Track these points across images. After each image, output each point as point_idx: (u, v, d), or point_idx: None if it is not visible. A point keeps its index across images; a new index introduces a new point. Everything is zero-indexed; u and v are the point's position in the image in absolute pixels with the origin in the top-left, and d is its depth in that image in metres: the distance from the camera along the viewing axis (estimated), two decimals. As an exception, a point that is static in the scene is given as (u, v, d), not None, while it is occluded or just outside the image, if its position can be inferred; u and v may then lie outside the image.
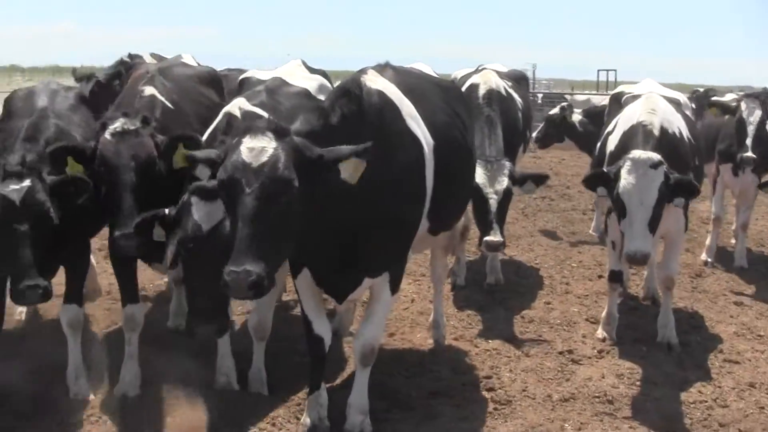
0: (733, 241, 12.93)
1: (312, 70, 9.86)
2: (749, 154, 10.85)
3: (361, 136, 5.94)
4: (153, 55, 11.92)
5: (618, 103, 9.90)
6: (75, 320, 7.31)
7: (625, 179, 7.60)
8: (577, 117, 14.64)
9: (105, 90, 10.18)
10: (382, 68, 7.08)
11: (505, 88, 10.79)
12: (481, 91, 10.46)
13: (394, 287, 6.73)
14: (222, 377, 7.50)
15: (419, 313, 9.64)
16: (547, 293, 10.67)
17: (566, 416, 7.11)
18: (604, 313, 9.09)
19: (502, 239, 9.30)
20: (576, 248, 13.12)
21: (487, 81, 10.62)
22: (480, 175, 9.41)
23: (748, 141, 10.95)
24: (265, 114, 7.45)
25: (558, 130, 14.81)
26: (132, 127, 6.87)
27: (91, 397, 7.21)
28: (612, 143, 8.55)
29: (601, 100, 16.24)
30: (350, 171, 5.73)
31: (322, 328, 6.76)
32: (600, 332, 8.98)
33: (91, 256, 8.40)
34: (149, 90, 7.85)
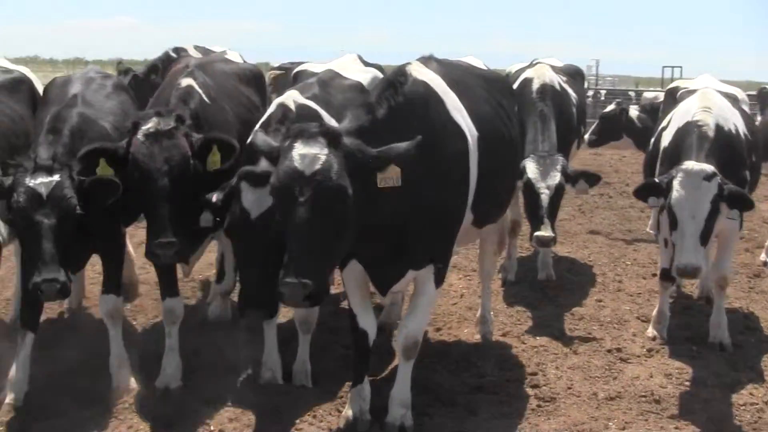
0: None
1: (367, 65, 9.85)
2: None
3: (407, 128, 5.94)
4: (197, 47, 11.96)
5: (673, 98, 9.71)
6: (114, 310, 7.35)
7: (677, 191, 7.45)
8: (634, 113, 14.38)
9: (142, 84, 10.26)
10: (427, 60, 7.04)
11: (559, 83, 10.69)
12: (535, 85, 10.37)
13: (439, 280, 6.68)
14: (267, 372, 7.49)
15: (468, 309, 9.58)
16: (599, 290, 10.53)
17: (611, 415, 7.00)
18: (655, 312, 8.94)
19: (552, 235, 9.22)
20: (631, 246, 12.96)
21: (541, 75, 10.52)
22: (532, 170, 9.36)
23: None
24: (317, 107, 7.46)
25: (615, 128, 14.51)
26: (166, 128, 6.71)
27: (134, 386, 7.26)
28: (666, 139, 8.41)
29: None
30: (391, 176, 5.73)
31: (368, 322, 6.75)
32: (650, 331, 8.83)
33: (130, 248, 8.50)
34: (186, 81, 7.70)
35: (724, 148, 7.85)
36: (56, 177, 6.33)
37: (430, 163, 6.02)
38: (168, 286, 7.44)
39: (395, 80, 6.36)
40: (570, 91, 10.95)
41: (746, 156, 8.28)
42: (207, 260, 10.01)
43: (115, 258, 7.44)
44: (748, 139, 8.40)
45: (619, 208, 16.06)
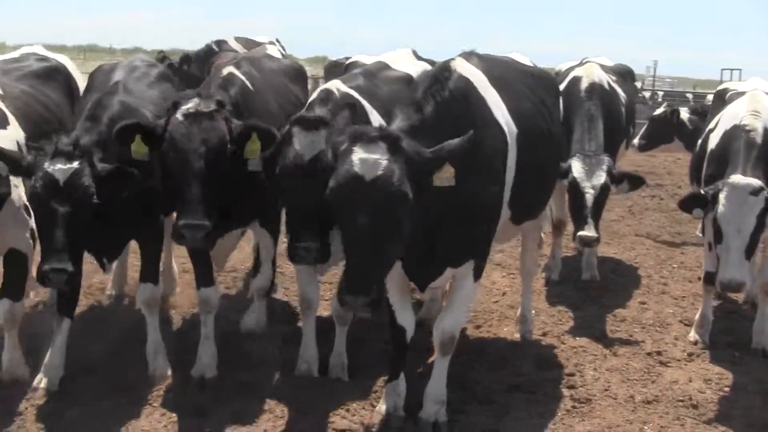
0: None
1: (420, 59, 9.83)
2: None
3: (449, 124, 5.97)
4: (237, 39, 12.02)
5: (722, 99, 9.58)
6: (152, 299, 7.40)
7: (723, 206, 7.36)
8: (686, 115, 14.17)
9: (176, 73, 10.33)
10: (468, 56, 7.02)
11: (608, 82, 10.59)
12: (583, 84, 10.29)
13: (477, 275, 6.67)
14: (303, 364, 7.52)
15: (509, 307, 9.54)
16: (643, 293, 10.42)
17: (647, 418, 6.93)
18: (697, 316, 8.83)
19: (596, 235, 9.15)
20: (679, 249, 12.80)
21: (590, 74, 10.43)
22: (577, 169, 9.30)
23: None
24: (360, 98, 7.46)
25: (666, 130, 14.30)
26: (206, 109, 6.58)
27: (169, 373, 7.32)
28: (713, 142, 8.32)
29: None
30: (447, 176, 5.74)
31: (406, 318, 6.74)
32: (692, 335, 8.72)
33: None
34: (228, 69, 7.65)
35: None
36: (75, 164, 6.24)
37: (468, 160, 5.98)
38: (203, 275, 7.46)
39: (440, 76, 6.37)
40: (619, 90, 10.85)
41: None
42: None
43: (152, 247, 7.49)
44: None
45: (669, 210, 15.84)
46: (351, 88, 7.63)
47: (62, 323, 7.10)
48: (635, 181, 9.41)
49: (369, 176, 5.46)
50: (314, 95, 7.60)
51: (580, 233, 9.13)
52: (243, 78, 7.61)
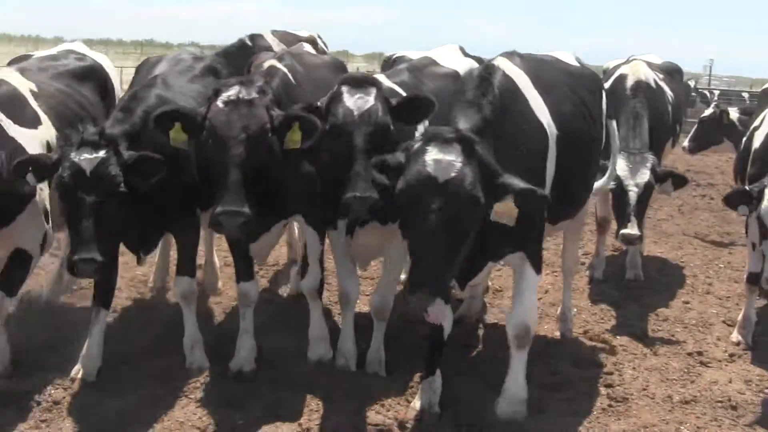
0: None
1: (467, 56, 9.79)
2: None
3: (497, 125, 5.98)
4: (274, 32, 11.99)
5: (768, 97, 9.48)
6: (188, 292, 7.44)
7: None
8: (735, 115, 13.94)
9: None
10: (510, 56, 6.96)
11: (654, 80, 10.52)
12: (629, 82, 10.25)
13: (537, 267, 6.61)
14: (341, 359, 7.55)
15: (551, 305, 9.50)
16: (686, 292, 10.34)
17: (683, 419, 6.86)
18: (740, 316, 8.73)
19: (639, 233, 9.12)
20: (727, 249, 12.68)
21: (636, 72, 10.38)
22: (621, 167, 9.25)
23: None
24: (403, 92, 7.44)
25: (715, 131, 14.09)
26: (247, 97, 6.50)
27: (207, 366, 7.38)
28: (758, 140, 8.25)
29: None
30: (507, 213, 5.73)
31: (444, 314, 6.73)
32: (734, 335, 8.62)
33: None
34: (270, 62, 7.61)
35: None
36: (101, 153, 6.21)
37: (510, 160, 5.94)
38: (243, 269, 7.49)
39: (487, 76, 6.34)
40: (666, 88, 10.76)
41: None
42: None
43: (188, 240, 7.50)
44: None
45: (719, 210, 15.62)
46: (395, 83, 7.60)
47: (99, 314, 7.17)
48: (679, 180, 9.34)
49: (442, 177, 5.42)
50: None
51: (623, 231, 9.10)
52: (285, 70, 7.55)
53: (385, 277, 7.73)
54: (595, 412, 6.94)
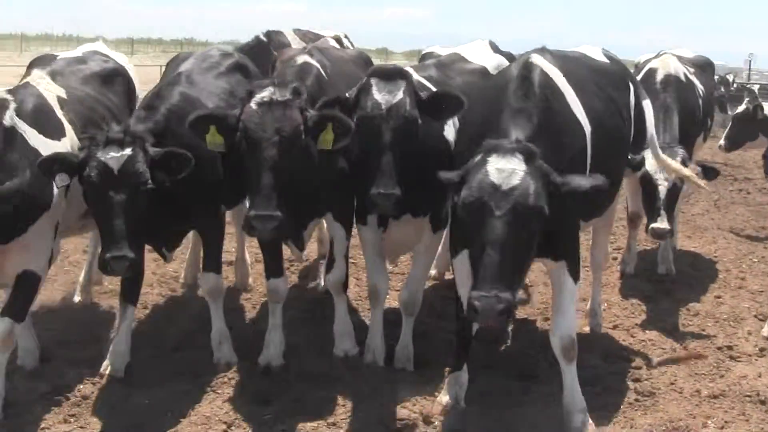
0: None
1: (497, 52, 9.77)
2: None
3: (540, 125, 5.96)
4: (296, 31, 11.98)
5: (801, 91, 9.40)
6: (215, 288, 7.50)
7: None
8: (769, 111, 13.84)
9: None
10: (542, 53, 6.88)
11: (685, 74, 10.45)
12: (659, 76, 10.19)
13: (575, 275, 6.47)
14: (369, 354, 7.58)
15: (581, 300, 9.40)
16: (719, 287, 10.28)
17: (711, 413, 6.83)
18: (772, 311, 8.68)
19: (668, 227, 9.04)
20: (762, 243, 12.58)
21: (666, 66, 10.32)
22: (651, 162, 9.18)
23: None
24: (432, 87, 7.43)
25: (749, 128, 13.96)
26: (281, 98, 6.41)
27: (234, 361, 7.44)
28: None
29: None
30: None
31: None
32: (765, 330, 8.57)
33: None
34: (303, 58, 7.61)
35: None
36: (128, 150, 6.21)
37: (552, 160, 5.83)
38: (272, 265, 7.53)
39: (527, 74, 6.28)
40: (696, 82, 10.69)
41: None
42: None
43: (213, 237, 7.54)
44: None
45: (756, 204, 15.58)
46: (423, 77, 7.59)
47: (127, 310, 7.25)
48: (709, 173, 9.26)
49: (506, 186, 5.40)
50: None
51: (653, 225, 9.02)
52: (318, 66, 7.55)
53: (414, 272, 7.76)
54: (622, 407, 6.93)
